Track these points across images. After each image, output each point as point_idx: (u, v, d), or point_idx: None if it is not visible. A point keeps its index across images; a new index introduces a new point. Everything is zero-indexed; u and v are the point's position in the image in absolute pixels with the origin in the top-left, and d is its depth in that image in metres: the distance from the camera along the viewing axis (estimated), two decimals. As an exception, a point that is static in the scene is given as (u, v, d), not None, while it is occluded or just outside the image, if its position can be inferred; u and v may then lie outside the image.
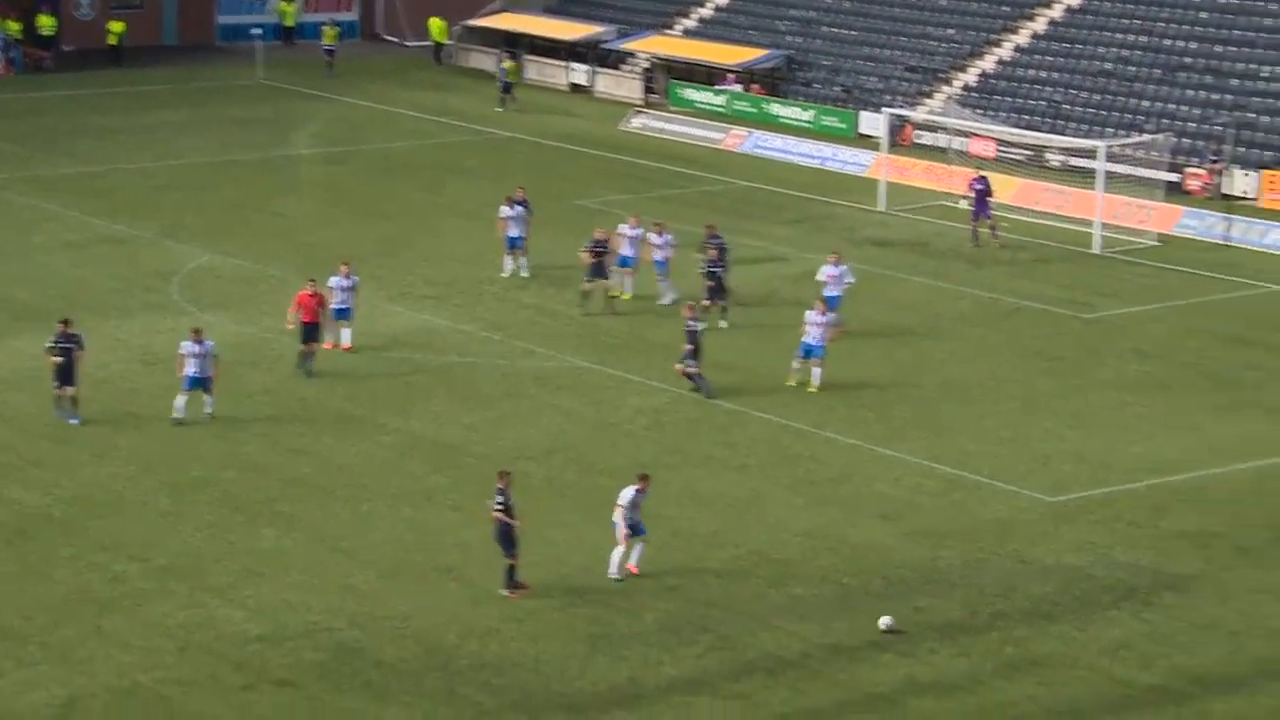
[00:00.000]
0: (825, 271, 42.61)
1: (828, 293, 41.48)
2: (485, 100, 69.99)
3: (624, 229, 45.23)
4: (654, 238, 44.85)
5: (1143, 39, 62.21)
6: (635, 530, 29.18)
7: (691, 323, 38.30)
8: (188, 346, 35.81)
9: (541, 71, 74.71)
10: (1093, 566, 30.44)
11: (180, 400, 35.97)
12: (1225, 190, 53.98)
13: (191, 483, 33.34)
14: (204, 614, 28.25)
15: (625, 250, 44.54)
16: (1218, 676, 26.81)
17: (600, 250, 43.29)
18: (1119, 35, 62.76)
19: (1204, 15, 61.70)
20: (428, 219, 53.29)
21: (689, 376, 37.93)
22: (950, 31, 66.77)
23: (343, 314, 40.41)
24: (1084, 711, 25.75)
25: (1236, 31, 60.70)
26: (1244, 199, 54.11)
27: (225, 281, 46.56)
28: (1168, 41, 61.76)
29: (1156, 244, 50.58)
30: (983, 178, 50.46)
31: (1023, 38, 65.29)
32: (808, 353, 38.47)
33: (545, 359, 40.89)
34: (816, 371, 38.55)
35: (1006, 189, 53.96)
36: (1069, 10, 65.07)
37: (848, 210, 54.48)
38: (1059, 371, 40.47)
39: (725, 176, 58.50)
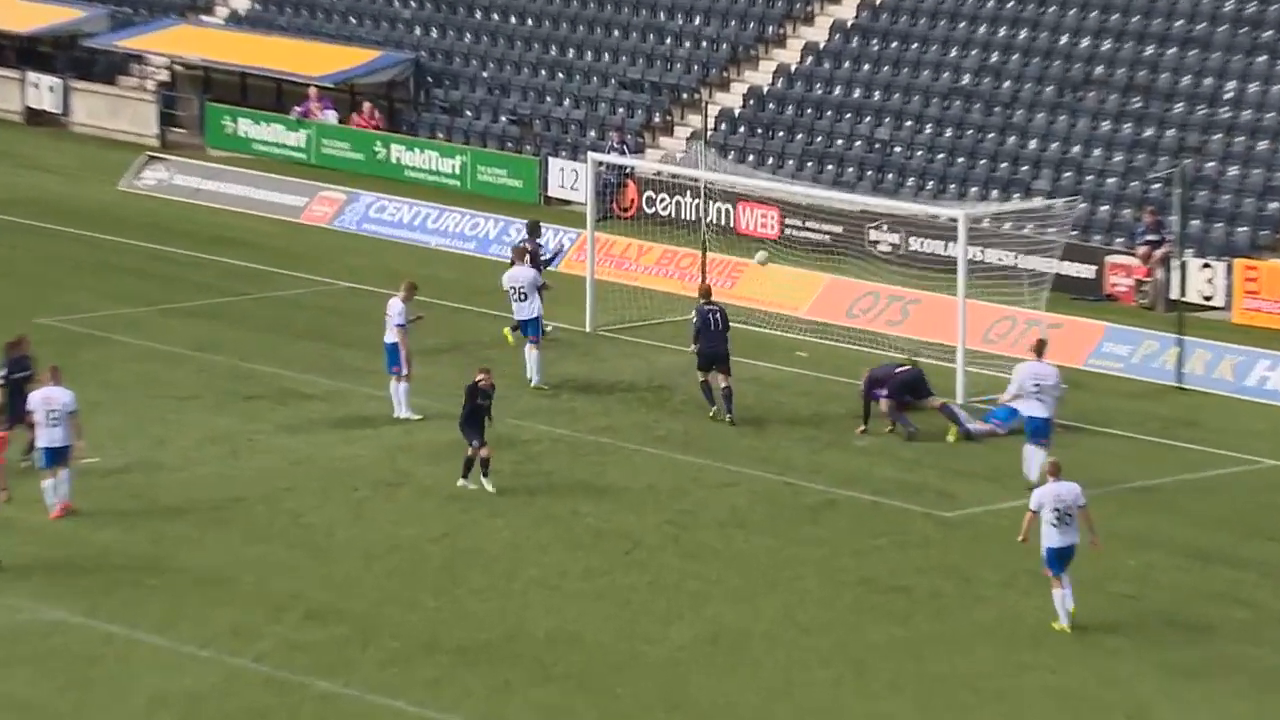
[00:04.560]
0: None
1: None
2: None
3: None
4: None
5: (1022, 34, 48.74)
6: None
7: None
8: None
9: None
10: None
11: None
12: (1173, 292, 42.10)
13: None
14: None
15: None
16: None
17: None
18: (975, 33, 48.94)
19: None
20: None
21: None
22: (700, 24, 52.43)
23: None
24: None
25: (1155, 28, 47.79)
26: (1207, 306, 42.31)
27: None
28: (1064, 39, 48.02)
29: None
30: (916, 369, 37.75)
31: (819, 31, 50.80)
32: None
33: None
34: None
35: (808, 292, 44.23)
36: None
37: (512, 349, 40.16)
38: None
39: (308, 274, 46.25)
